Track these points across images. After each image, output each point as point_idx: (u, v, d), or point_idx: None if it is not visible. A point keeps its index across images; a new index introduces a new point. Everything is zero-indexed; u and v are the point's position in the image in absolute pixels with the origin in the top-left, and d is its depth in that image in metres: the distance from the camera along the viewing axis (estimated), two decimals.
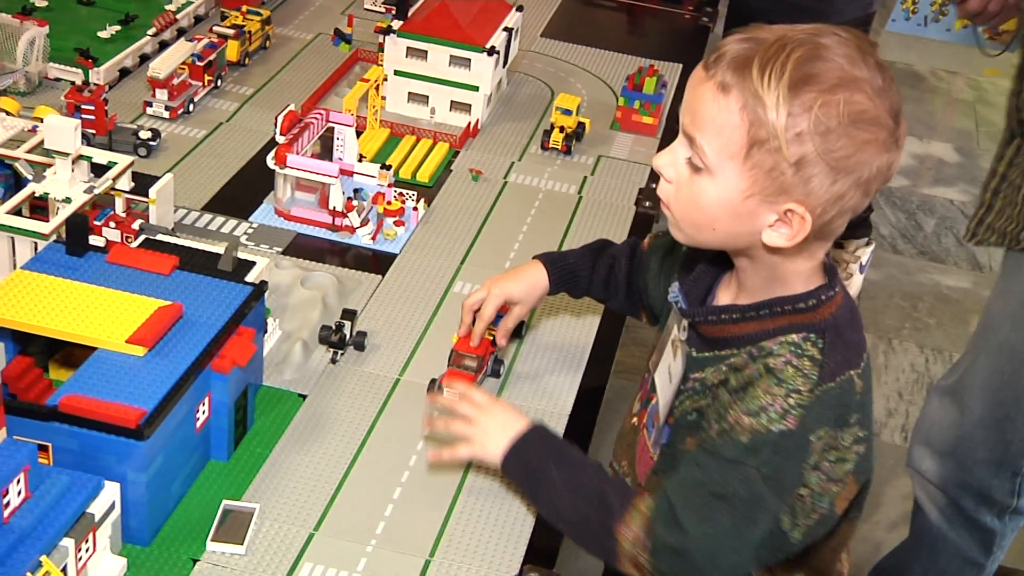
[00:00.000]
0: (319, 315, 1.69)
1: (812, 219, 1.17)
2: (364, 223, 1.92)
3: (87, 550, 1.21)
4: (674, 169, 1.23)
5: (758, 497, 1.20)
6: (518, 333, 1.71)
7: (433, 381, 1.57)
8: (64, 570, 1.15)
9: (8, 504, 1.12)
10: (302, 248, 1.87)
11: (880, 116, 1.14)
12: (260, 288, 1.49)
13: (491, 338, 1.61)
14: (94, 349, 1.33)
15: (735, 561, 1.23)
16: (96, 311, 1.37)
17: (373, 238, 1.91)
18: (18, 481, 1.13)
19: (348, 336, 1.64)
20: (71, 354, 1.45)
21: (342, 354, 1.63)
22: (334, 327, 1.63)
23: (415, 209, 1.98)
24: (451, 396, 1.47)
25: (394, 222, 1.93)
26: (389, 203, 1.94)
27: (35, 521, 1.14)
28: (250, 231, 1.89)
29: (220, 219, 1.91)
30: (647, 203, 2.11)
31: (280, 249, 1.86)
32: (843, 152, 1.13)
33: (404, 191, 1.99)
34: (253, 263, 1.56)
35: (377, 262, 1.87)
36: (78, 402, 1.25)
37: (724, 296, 1.34)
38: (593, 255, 1.63)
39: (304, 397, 1.56)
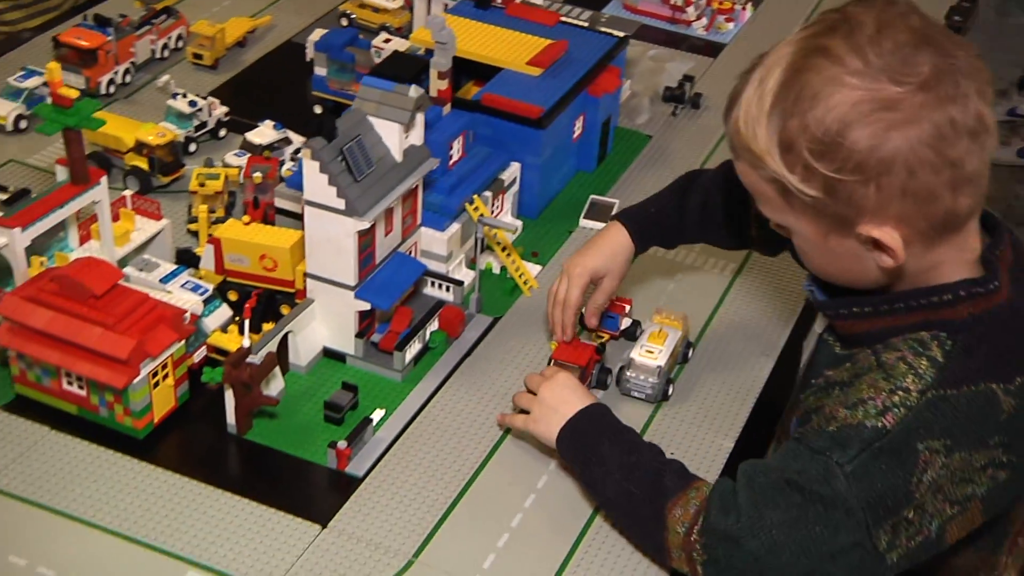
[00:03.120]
0: (662, 79, 2.04)
1: (899, 229, 1.02)
2: (699, 17, 2.24)
3: (498, 206, 1.62)
4: (782, 233, 1.13)
5: (839, 498, 1.02)
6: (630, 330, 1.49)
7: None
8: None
9: (452, 156, 1.54)
10: (645, 36, 2.21)
11: (884, 95, 0.98)
12: (624, 40, 1.85)
13: (596, 345, 1.43)
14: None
15: (805, 566, 1.04)
16: (501, 43, 1.76)
17: (707, 29, 2.23)
18: (459, 141, 1.54)
19: (686, 95, 1.97)
20: None
21: (682, 108, 1.98)
22: (676, 85, 1.97)
23: (743, 9, 2.28)
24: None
25: (725, 19, 2.24)
26: (721, 2, 2.25)
27: (468, 172, 1.55)
28: (602, 21, 2.25)
29: (577, 9, 2.27)
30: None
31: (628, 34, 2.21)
32: (858, 158, 0.99)
33: None
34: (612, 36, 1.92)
35: (709, 48, 2.19)
36: (495, 99, 1.65)
37: None
38: (679, 195, 1.45)
39: (650, 137, 1.92)
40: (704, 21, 2.23)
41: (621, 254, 1.43)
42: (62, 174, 1.37)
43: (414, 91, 1.35)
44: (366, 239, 1.35)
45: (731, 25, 2.24)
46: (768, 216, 1.10)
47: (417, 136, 1.40)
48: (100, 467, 1.25)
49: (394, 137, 1.36)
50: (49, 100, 1.31)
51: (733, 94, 1.08)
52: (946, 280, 1.07)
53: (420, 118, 1.38)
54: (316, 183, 1.30)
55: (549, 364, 1.39)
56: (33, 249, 1.36)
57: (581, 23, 1.90)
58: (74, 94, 1.28)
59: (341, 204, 1.30)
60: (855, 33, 1.00)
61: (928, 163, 0.98)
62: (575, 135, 1.76)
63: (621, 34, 1.87)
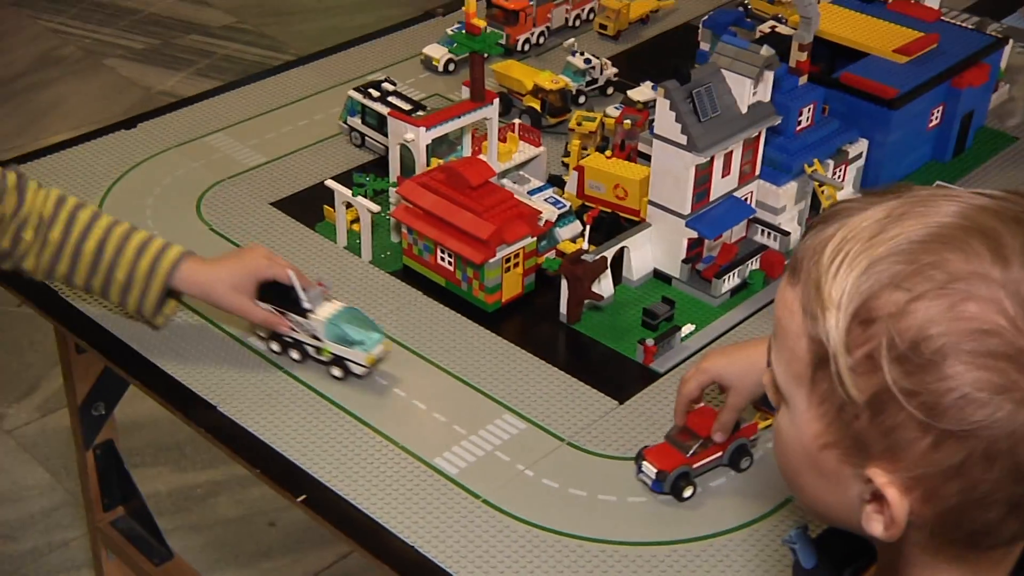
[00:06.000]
0: None
1: (910, 499, 0.74)
2: None
3: (840, 175, 1.74)
4: (769, 393, 0.85)
5: None
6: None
7: (641, 452, 1.31)
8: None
9: (801, 123, 1.68)
10: None
11: (1020, 342, 0.70)
12: (1000, 40, 1.90)
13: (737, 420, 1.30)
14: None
15: None
16: (874, 32, 1.88)
17: None
18: (808, 109, 1.69)
19: None
20: None
21: None
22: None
23: None
24: None
25: None
26: None
27: (813, 139, 1.69)
28: (992, 26, 2.28)
29: (973, 17, 2.32)
30: None
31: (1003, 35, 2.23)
32: (939, 400, 0.70)
33: None
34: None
35: None
36: (854, 78, 1.78)
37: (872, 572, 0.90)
38: None
39: (1016, 139, 1.95)
40: None
41: (755, 372, 1.18)
42: (466, 94, 1.66)
43: (765, 51, 1.52)
44: (702, 175, 1.53)
45: None
46: (774, 367, 0.82)
47: (764, 93, 1.56)
48: (456, 329, 1.53)
49: (742, 90, 1.53)
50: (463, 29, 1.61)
51: (843, 207, 0.78)
52: None
53: (769, 76, 1.55)
54: (665, 119, 1.51)
55: (671, 429, 1.33)
56: (435, 154, 1.67)
57: (965, 24, 1.97)
58: (482, 23, 1.57)
59: (683, 140, 1.50)
60: (973, 245, 0.72)
61: (1014, 463, 0.71)
62: (931, 123, 1.85)
63: (1000, 36, 1.92)
